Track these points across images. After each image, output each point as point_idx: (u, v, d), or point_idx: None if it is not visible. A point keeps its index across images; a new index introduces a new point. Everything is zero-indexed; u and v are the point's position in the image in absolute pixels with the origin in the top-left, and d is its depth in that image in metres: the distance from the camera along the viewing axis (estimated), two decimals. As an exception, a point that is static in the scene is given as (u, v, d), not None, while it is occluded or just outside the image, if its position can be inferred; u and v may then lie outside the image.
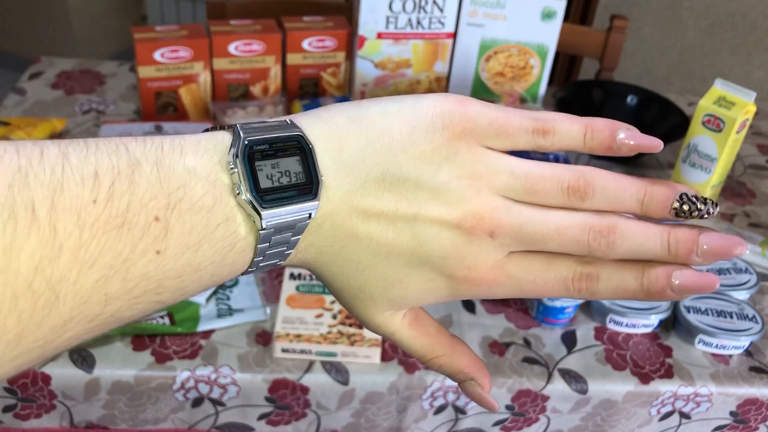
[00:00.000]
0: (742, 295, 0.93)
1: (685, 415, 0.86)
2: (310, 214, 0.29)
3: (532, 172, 0.30)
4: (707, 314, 0.88)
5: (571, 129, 0.31)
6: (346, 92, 1.23)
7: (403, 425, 0.84)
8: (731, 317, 0.88)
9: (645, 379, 0.84)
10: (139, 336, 0.82)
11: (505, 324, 0.89)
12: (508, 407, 0.84)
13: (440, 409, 0.84)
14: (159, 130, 1.09)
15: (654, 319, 0.88)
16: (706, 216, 0.30)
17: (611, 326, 0.90)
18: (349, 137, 0.29)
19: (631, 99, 1.30)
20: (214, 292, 0.88)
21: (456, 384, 0.82)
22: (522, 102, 1.27)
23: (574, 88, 1.36)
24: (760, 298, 0.97)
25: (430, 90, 1.23)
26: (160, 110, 1.14)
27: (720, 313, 0.89)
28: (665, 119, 1.23)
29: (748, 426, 0.88)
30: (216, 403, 0.81)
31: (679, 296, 0.30)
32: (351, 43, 1.18)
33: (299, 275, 0.88)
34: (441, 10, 1.15)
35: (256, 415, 0.82)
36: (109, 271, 0.25)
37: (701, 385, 0.84)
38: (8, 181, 0.23)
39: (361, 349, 0.81)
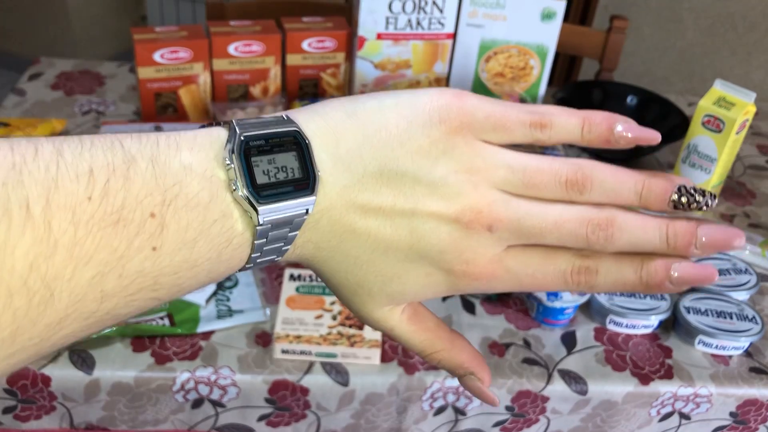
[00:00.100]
0: (741, 295, 0.93)
1: (684, 416, 0.86)
2: (307, 210, 0.29)
3: (529, 165, 0.30)
4: (707, 315, 0.88)
5: (568, 122, 0.30)
6: (346, 93, 1.23)
7: (403, 426, 0.84)
8: (731, 318, 0.88)
9: (645, 379, 0.84)
10: (139, 337, 0.82)
11: (505, 325, 0.89)
12: (508, 408, 0.84)
13: (440, 410, 0.84)
14: (159, 131, 1.09)
15: (654, 320, 0.88)
16: (704, 208, 0.30)
17: (611, 327, 0.89)
18: (345, 132, 0.29)
19: (630, 99, 1.30)
20: (214, 294, 0.88)
21: (456, 385, 0.82)
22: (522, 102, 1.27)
23: (574, 88, 1.36)
24: (760, 298, 0.97)
25: (429, 91, 1.23)
26: (160, 111, 1.14)
27: (720, 314, 0.89)
28: (665, 120, 1.23)
29: (748, 427, 0.88)
30: (216, 404, 0.81)
31: (678, 288, 0.30)
32: (351, 44, 1.18)
33: (299, 276, 0.88)
34: (441, 11, 1.15)
35: (256, 417, 0.82)
36: (105, 268, 0.24)
37: (701, 386, 0.84)
38: (2, 178, 0.23)
39: (361, 350, 0.81)
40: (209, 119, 1.16)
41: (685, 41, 2.42)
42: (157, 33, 1.11)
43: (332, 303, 0.84)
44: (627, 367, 0.85)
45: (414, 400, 0.82)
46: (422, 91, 0.31)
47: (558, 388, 0.82)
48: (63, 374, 0.77)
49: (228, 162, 0.27)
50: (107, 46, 2.96)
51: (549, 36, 1.20)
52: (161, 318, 0.83)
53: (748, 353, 0.88)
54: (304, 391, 0.80)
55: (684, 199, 0.29)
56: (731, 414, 0.86)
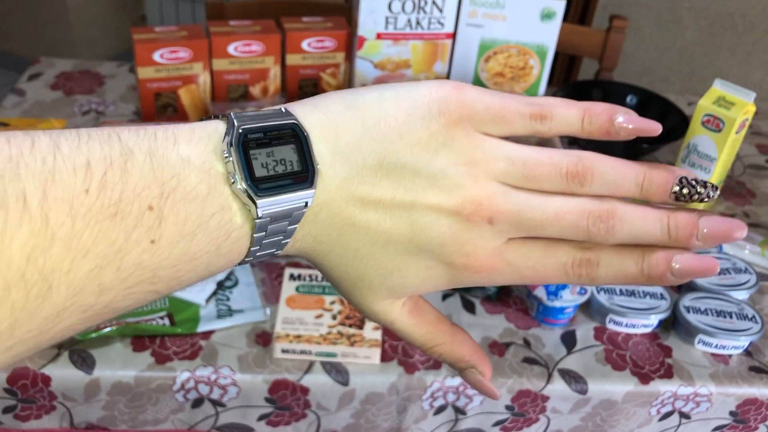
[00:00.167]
0: (741, 295, 0.93)
1: (684, 415, 0.86)
2: (306, 203, 0.28)
3: (530, 157, 0.30)
4: (707, 314, 0.88)
5: (569, 114, 0.30)
6: (346, 93, 1.23)
7: (403, 426, 0.84)
8: (731, 317, 0.88)
9: (645, 379, 0.83)
10: (139, 337, 0.82)
11: (505, 324, 0.89)
12: (508, 407, 0.84)
13: (440, 410, 0.84)
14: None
15: (654, 319, 0.88)
16: (706, 199, 0.30)
17: (611, 326, 0.89)
18: (345, 125, 0.29)
19: (630, 99, 1.30)
20: (214, 293, 0.88)
21: (456, 385, 0.82)
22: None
23: (574, 88, 1.36)
24: (760, 298, 0.97)
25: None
26: (160, 111, 1.14)
27: (720, 313, 0.88)
28: (665, 119, 1.23)
29: (748, 426, 0.88)
30: (216, 403, 0.81)
31: (680, 280, 0.30)
32: (350, 44, 1.18)
33: (299, 276, 0.88)
34: (440, 11, 1.14)
35: (256, 416, 0.82)
36: (103, 261, 0.24)
37: (701, 385, 0.84)
38: None
39: (361, 350, 0.81)
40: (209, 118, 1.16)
41: (684, 41, 2.42)
42: (156, 33, 1.11)
43: (332, 302, 0.84)
44: (627, 367, 0.85)
45: (414, 399, 0.82)
46: (422, 83, 0.30)
47: (558, 387, 0.82)
48: (63, 374, 0.77)
49: (226, 155, 0.27)
50: (107, 46, 2.96)
51: (549, 36, 1.20)
52: (161, 318, 0.83)
53: (747, 352, 0.88)
54: (304, 390, 0.80)
55: (685, 191, 0.29)
56: (731, 413, 0.86)
